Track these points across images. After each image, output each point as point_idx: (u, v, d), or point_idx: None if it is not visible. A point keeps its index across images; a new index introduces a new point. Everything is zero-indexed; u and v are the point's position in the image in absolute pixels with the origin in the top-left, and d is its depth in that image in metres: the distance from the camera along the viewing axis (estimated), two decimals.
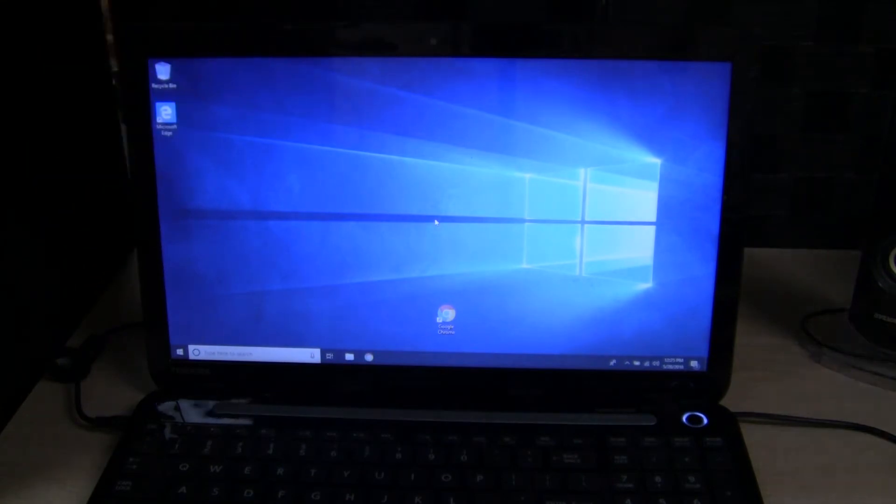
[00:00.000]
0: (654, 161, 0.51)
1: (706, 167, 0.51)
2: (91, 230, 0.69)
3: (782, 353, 0.62)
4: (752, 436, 0.52)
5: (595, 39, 0.51)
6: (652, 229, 0.52)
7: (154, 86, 0.51)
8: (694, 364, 0.54)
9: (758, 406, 0.55)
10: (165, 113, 0.51)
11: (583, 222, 0.52)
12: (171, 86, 0.51)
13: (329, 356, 0.55)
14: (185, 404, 0.54)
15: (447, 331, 0.54)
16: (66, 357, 0.60)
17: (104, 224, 0.72)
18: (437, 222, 0.53)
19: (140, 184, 0.52)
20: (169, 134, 0.52)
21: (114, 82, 0.72)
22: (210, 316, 0.54)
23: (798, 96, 0.73)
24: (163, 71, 0.51)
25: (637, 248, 0.53)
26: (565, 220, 0.52)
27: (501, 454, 0.49)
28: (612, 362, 0.54)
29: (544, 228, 0.52)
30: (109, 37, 0.71)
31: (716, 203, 0.51)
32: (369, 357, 0.55)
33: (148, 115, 0.51)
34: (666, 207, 0.52)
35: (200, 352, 0.55)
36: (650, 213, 0.52)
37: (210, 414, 0.53)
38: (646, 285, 0.53)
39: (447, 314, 0.54)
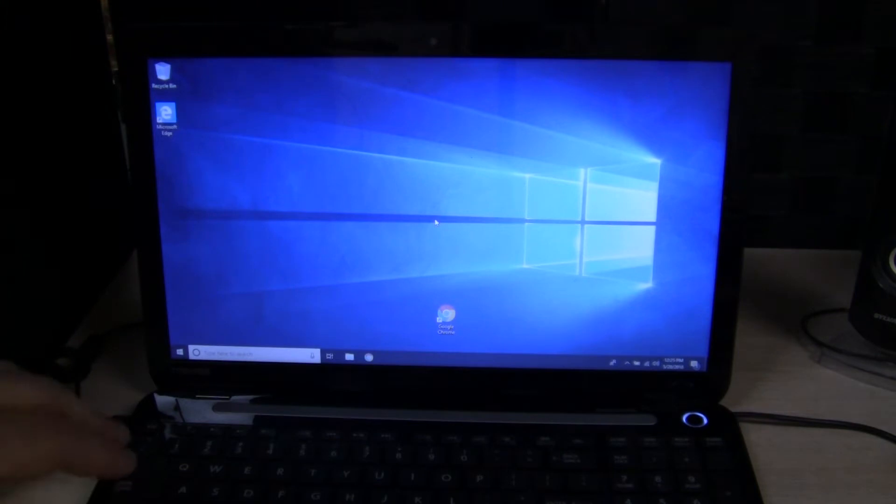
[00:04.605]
0: (654, 161, 0.51)
1: (706, 167, 0.51)
2: (91, 230, 0.69)
3: (782, 353, 0.62)
4: (752, 436, 0.52)
5: (595, 39, 0.51)
6: (652, 229, 0.52)
7: (154, 86, 0.51)
8: (694, 364, 0.54)
9: (758, 406, 0.55)
10: (165, 113, 0.51)
11: (583, 222, 0.52)
12: (171, 86, 0.51)
13: (329, 356, 0.55)
14: (185, 404, 0.54)
15: (447, 331, 0.54)
16: (66, 357, 0.60)
17: (104, 224, 0.72)
18: (437, 222, 0.53)
19: (140, 184, 0.52)
20: (169, 134, 0.52)
21: (114, 82, 0.72)
22: (210, 316, 0.54)
23: (798, 96, 0.73)
24: (163, 71, 0.51)
25: (637, 248, 0.53)
26: (565, 220, 0.52)
27: (501, 454, 0.49)
28: (612, 362, 0.54)
29: (544, 228, 0.52)
30: (109, 37, 0.71)
31: (716, 203, 0.51)
32: (369, 357, 0.55)
33: (148, 115, 0.51)
34: (666, 207, 0.52)
35: (200, 352, 0.55)
36: (650, 213, 0.52)
37: (210, 414, 0.53)
38: (646, 285, 0.53)
39: (447, 314, 0.54)
